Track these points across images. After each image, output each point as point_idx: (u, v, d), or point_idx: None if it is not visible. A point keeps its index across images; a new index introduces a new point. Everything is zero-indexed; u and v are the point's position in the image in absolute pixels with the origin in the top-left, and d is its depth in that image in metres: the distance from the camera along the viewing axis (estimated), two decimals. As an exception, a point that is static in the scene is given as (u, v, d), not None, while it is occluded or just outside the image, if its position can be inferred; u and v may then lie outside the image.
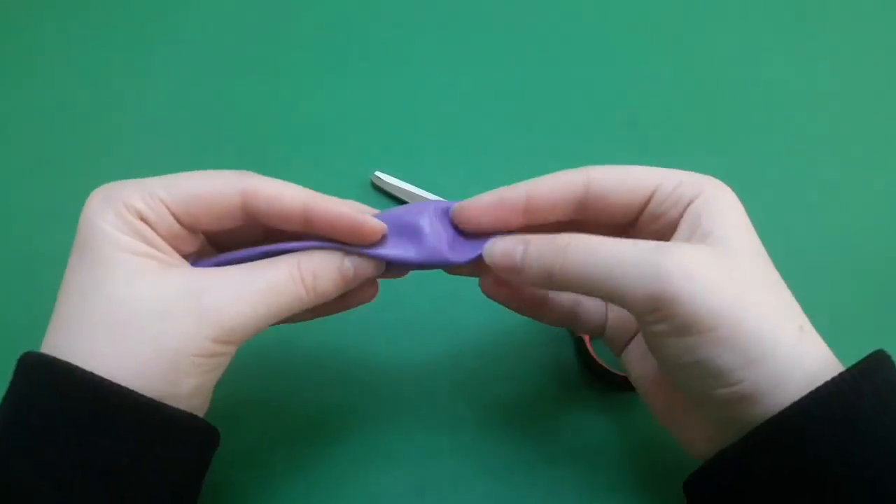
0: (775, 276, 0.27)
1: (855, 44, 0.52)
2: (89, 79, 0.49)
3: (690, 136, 0.47)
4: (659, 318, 0.25)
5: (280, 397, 0.36)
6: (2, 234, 0.42)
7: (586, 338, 0.37)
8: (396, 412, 0.36)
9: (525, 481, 0.34)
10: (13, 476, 0.23)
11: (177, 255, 0.27)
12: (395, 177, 0.44)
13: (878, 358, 0.25)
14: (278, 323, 0.28)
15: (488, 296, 0.31)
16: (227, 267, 0.26)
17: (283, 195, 0.26)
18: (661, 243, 0.26)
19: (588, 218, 0.29)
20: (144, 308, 0.24)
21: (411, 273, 0.30)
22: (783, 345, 0.25)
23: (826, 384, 0.24)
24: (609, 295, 0.26)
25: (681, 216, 0.27)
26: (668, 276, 0.24)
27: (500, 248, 0.28)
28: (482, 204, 0.28)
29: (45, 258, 0.40)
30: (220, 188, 0.26)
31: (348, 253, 0.27)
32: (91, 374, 0.23)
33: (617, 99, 0.49)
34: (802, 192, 0.44)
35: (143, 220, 0.26)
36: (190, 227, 0.27)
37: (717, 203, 0.27)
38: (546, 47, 0.51)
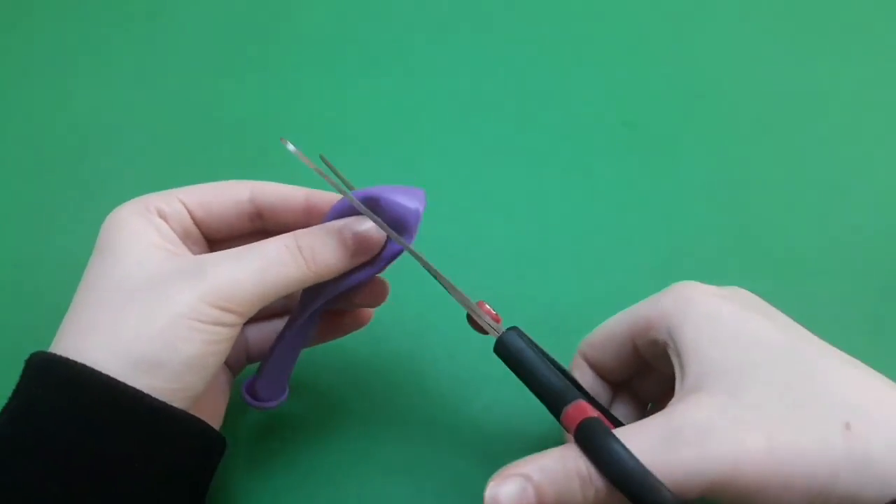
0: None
1: (856, 44, 0.52)
2: (89, 80, 0.48)
3: (689, 137, 0.47)
4: None
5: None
6: (1, 234, 0.42)
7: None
8: (395, 413, 0.36)
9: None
10: (20, 478, 0.23)
11: (186, 250, 0.28)
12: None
13: None
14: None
15: None
16: (228, 251, 0.27)
17: (287, 187, 0.30)
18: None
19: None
20: (147, 282, 0.25)
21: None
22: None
23: None
24: None
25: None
26: None
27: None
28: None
29: (45, 259, 0.41)
30: (231, 185, 0.30)
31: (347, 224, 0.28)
32: (97, 372, 0.23)
33: (616, 99, 0.48)
34: (803, 192, 0.44)
35: (161, 216, 0.28)
36: (202, 225, 0.29)
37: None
38: (545, 48, 0.51)
